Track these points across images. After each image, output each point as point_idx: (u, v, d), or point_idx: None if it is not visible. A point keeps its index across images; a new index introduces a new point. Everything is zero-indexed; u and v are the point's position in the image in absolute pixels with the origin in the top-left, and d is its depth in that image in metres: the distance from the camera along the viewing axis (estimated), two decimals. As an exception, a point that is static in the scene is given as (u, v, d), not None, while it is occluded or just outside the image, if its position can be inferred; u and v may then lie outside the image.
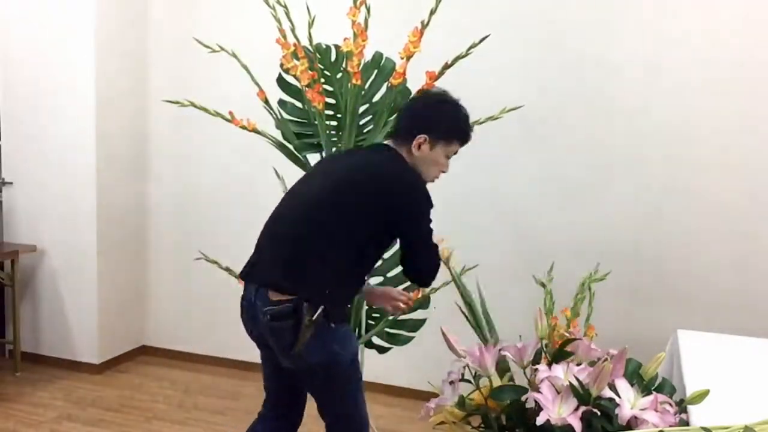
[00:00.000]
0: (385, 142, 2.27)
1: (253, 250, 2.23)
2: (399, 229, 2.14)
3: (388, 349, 2.94)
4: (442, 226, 3.66)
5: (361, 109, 2.76)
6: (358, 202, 2.08)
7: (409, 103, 2.36)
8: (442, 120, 2.21)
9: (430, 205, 2.16)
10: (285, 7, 2.66)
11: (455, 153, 2.25)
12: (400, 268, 2.92)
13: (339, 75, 2.83)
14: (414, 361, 3.63)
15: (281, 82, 2.86)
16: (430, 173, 2.23)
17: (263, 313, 2.05)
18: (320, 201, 2.11)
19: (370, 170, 2.15)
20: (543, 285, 2.68)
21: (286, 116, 2.87)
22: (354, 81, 2.57)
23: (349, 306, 2.31)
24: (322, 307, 2.00)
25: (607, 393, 1.82)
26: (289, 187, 2.85)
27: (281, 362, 2.14)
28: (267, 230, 2.21)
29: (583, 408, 1.78)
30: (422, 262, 2.20)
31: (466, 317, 2.55)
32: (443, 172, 2.26)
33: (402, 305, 2.40)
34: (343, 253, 2.07)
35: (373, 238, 2.12)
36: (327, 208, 2.09)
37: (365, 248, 2.12)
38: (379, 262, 2.64)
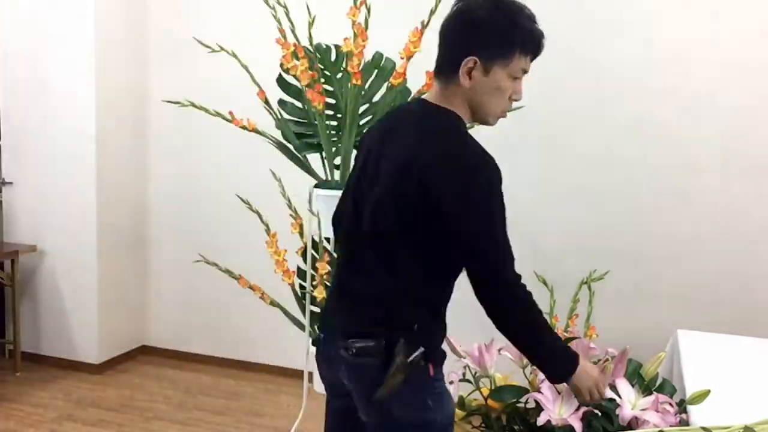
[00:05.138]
0: (424, 96, 1.72)
1: None
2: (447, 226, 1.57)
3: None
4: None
5: (361, 109, 2.76)
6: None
7: (446, 21, 1.70)
8: (494, 27, 1.59)
9: (492, 187, 1.57)
10: (285, 7, 2.66)
11: (526, 72, 1.64)
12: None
13: (339, 75, 2.83)
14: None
15: (281, 82, 2.86)
16: (494, 107, 1.65)
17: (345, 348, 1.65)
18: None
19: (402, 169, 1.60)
20: (545, 283, 2.68)
21: (286, 116, 2.87)
22: (354, 81, 2.57)
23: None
24: (422, 349, 1.60)
25: (608, 393, 1.82)
26: (287, 187, 2.87)
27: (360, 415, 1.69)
28: None
29: (583, 408, 1.78)
30: (490, 289, 1.61)
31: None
32: (514, 100, 1.66)
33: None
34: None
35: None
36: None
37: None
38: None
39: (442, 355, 1.68)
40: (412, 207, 1.57)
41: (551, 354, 1.65)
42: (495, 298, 1.60)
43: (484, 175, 1.58)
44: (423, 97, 1.73)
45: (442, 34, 1.69)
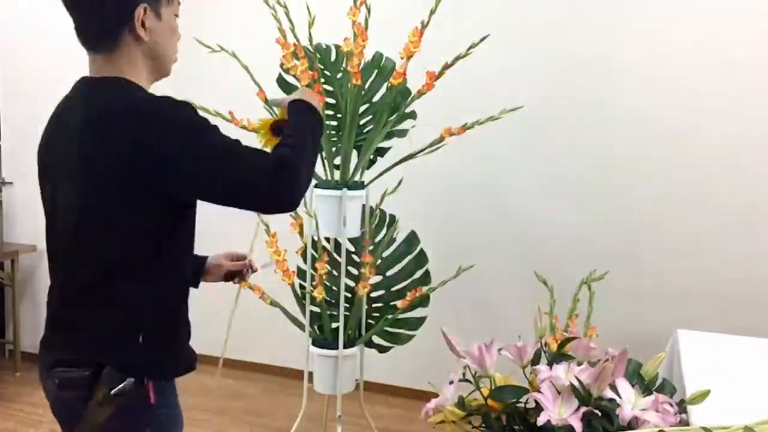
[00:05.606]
0: (85, 75, 1.56)
1: None
2: (176, 181, 1.37)
3: (388, 348, 2.94)
4: (443, 225, 3.69)
5: (361, 109, 2.76)
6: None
7: None
8: None
9: (189, 114, 1.45)
10: (285, 7, 2.66)
11: (180, 4, 1.55)
12: (400, 266, 2.94)
13: (339, 75, 2.83)
14: (414, 361, 3.63)
15: (281, 82, 2.86)
16: (172, 53, 1.53)
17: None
18: None
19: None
20: (545, 283, 2.68)
21: (286, 116, 2.87)
22: (354, 81, 2.57)
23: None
24: (130, 380, 1.34)
25: (608, 393, 1.82)
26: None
27: None
28: None
29: (583, 408, 1.78)
30: (262, 178, 1.41)
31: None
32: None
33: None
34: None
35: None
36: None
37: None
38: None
39: (171, 373, 1.44)
40: (103, 186, 1.35)
41: (311, 128, 1.64)
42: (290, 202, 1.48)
43: (183, 113, 1.43)
44: (83, 77, 1.52)
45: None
